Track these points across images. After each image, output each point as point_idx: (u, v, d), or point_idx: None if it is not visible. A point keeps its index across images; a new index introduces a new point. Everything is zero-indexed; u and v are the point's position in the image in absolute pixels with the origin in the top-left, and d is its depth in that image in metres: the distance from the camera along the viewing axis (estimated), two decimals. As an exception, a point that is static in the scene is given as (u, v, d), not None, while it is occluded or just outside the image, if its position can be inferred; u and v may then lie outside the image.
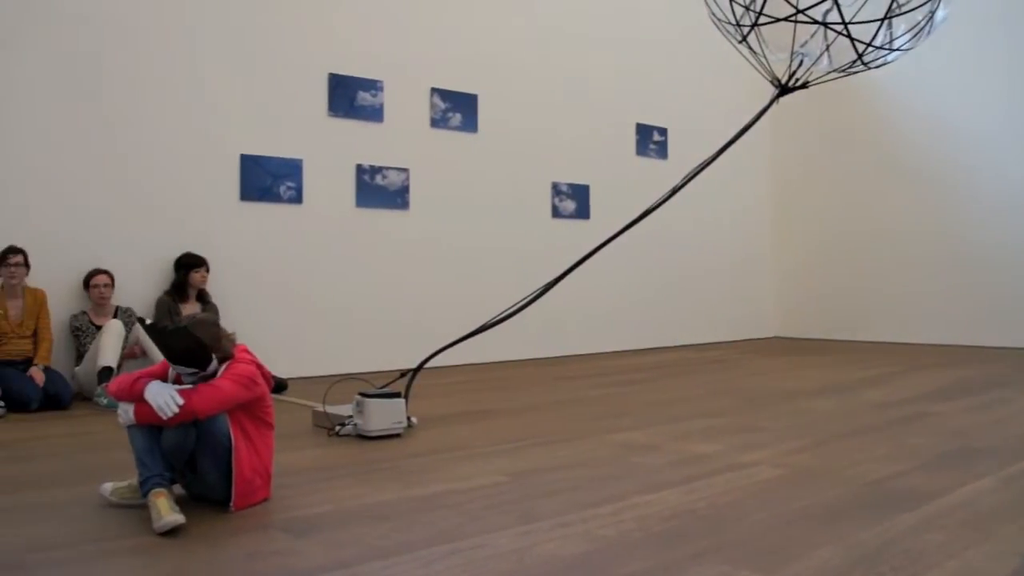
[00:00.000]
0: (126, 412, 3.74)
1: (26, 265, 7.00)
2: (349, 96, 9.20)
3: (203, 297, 7.98)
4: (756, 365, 9.90)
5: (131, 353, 7.28)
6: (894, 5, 5.62)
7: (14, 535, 3.51)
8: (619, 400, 7.25)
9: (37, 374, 6.84)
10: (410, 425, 5.77)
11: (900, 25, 5.79)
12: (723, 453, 5.02)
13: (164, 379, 3.87)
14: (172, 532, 3.46)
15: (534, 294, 6.33)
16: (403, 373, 6.33)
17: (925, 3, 5.70)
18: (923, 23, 5.81)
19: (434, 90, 9.89)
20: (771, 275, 14.05)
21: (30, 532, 3.55)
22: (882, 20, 5.66)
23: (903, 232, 12.55)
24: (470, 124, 10.19)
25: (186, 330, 3.84)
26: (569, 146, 11.19)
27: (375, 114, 9.39)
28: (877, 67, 6.10)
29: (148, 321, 6.88)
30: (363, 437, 5.49)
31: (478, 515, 3.74)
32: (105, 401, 6.79)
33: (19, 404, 6.63)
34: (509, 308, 6.31)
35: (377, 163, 9.38)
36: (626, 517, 3.68)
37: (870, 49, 5.82)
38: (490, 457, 4.98)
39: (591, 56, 11.44)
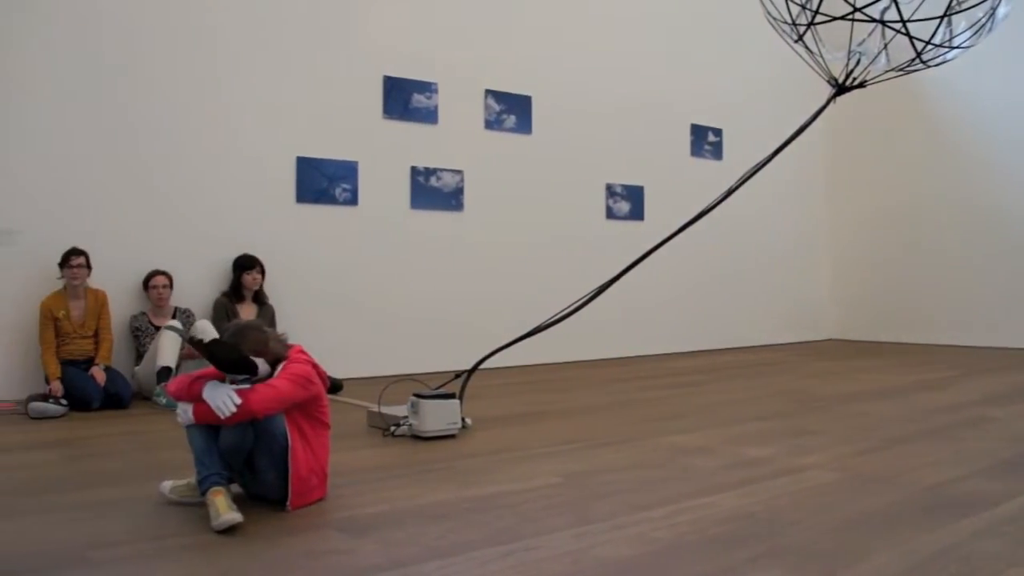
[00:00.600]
0: (185, 412, 3.80)
1: (88, 266, 7.12)
2: (404, 98, 9.25)
3: (260, 298, 8.07)
4: (811, 368, 9.79)
5: (189, 354, 7.35)
6: (954, 2, 5.53)
7: (76, 531, 3.58)
8: (673, 402, 7.22)
9: (98, 373, 6.96)
10: (465, 426, 5.78)
11: (960, 22, 5.70)
12: (778, 456, 4.97)
13: (222, 379, 3.90)
14: (230, 530, 3.51)
15: (589, 295, 6.32)
16: (458, 374, 6.35)
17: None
18: (984, 19, 5.71)
19: (488, 92, 9.91)
20: (827, 277, 13.87)
21: (91, 529, 3.61)
22: (942, 17, 5.57)
23: (962, 233, 12.29)
24: (524, 126, 10.20)
25: (228, 343, 3.88)
26: (623, 147, 11.15)
27: (430, 116, 9.43)
28: (936, 65, 6.00)
29: (189, 333, 7.00)
30: (418, 438, 5.52)
31: (533, 516, 3.74)
32: (164, 401, 6.89)
33: (81, 403, 6.76)
34: (564, 310, 6.30)
35: (432, 165, 9.42)
36: (681, 520, 3.67)
37: (929, 47, 5.73)
38: (545, 458, 4.98)
39: (645, 57, 11.39)
